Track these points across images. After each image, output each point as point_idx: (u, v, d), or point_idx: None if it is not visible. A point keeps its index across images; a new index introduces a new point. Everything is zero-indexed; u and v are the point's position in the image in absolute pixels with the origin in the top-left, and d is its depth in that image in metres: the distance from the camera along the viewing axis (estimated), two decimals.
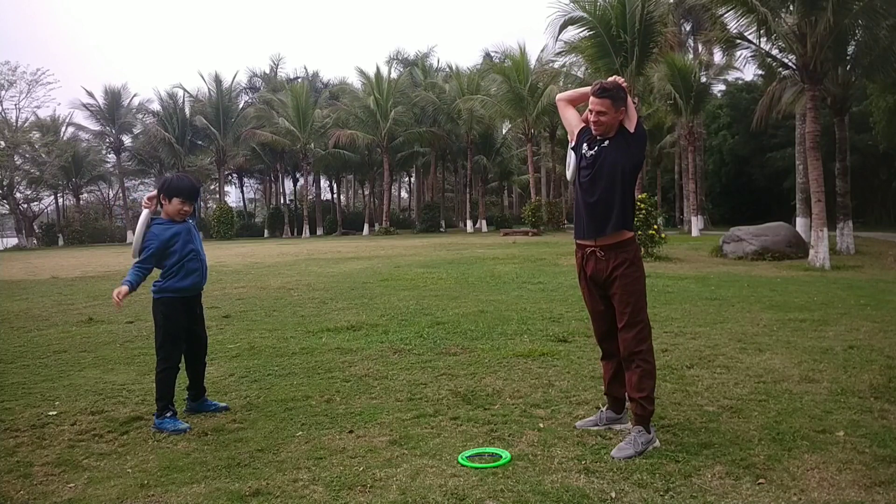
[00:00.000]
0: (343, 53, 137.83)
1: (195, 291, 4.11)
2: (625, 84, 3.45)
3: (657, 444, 3.30)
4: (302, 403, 4.21)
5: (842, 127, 16.53)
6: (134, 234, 4.05)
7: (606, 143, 3.40)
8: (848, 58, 15.56)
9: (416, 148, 43.47)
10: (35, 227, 46.72)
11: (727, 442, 3.33)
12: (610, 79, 3.46)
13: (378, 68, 41.46)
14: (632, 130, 3.39)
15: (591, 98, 3.37)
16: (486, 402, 4.11)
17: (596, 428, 3.58)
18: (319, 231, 45.40)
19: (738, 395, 4.11)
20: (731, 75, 29.73)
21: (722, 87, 32.84)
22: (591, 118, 3.40)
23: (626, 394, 3.43)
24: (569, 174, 3.65)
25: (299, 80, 50.99)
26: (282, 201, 52.40)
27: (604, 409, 3.67)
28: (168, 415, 3.84)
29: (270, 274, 13.54)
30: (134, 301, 9.81)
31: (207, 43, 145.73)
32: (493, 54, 45.19)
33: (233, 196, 60.84)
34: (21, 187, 43.85)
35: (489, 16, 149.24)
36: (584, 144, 3.49)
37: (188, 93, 45.61)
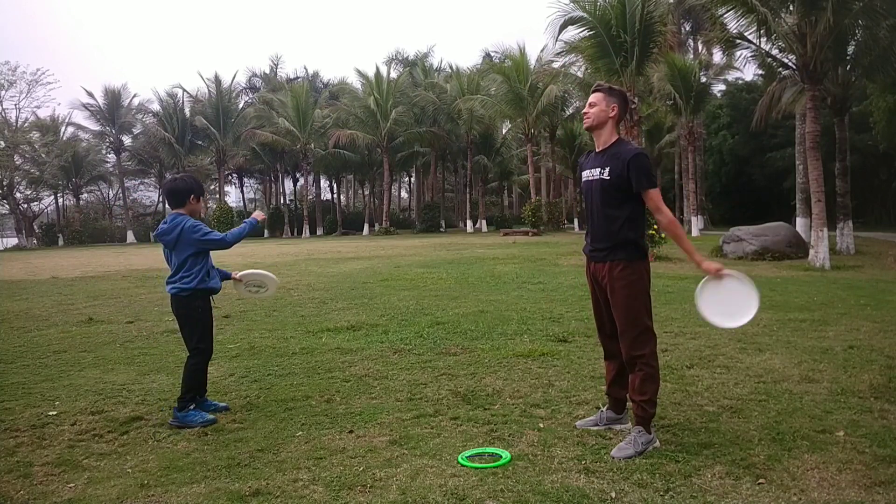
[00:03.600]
0: (343, 53, 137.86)
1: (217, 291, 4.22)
2: None
3: (657, 444, 3.30)
4: (302, 403, 4.21)
5: (842, 127, 16.52)
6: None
7: (607, 174, 3.37)
8: (848, 58, 15.55)
9: (416, 148, 43.48)
10: (35, 227, 46.77)
11: (727, 442, 3.33)
12: None
13: (378, 68, 41.51)
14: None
15: (591, 96, 3.51)
16: (486, 402, 4.11)
17: (596, 428, 3.58)
18: (319, 231, 45.41)
19: (738, 395, 4.11)
20: (731, 75, 29.77)
21: (722, 87, 32.87)
22: (584, 111, 3.54)
23: (628, 395, 3.43)
24: None
25: (299, 80, 51.03)
26: (282, 201, 52.41)
27: (604, 409, 3.66)
28: (192, 407, 3.90)
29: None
30: (133, 301, 9.83)
31: (207, 43, 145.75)
32: (493, 54, 45.23)
33: (233, 196, 60.98)
34: (21, 187, 43.91)
35: (489, 16, 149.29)
36: (590, 169, 3.49)
37: (188, 93, 45.79)
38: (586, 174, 3.50)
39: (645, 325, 3.33)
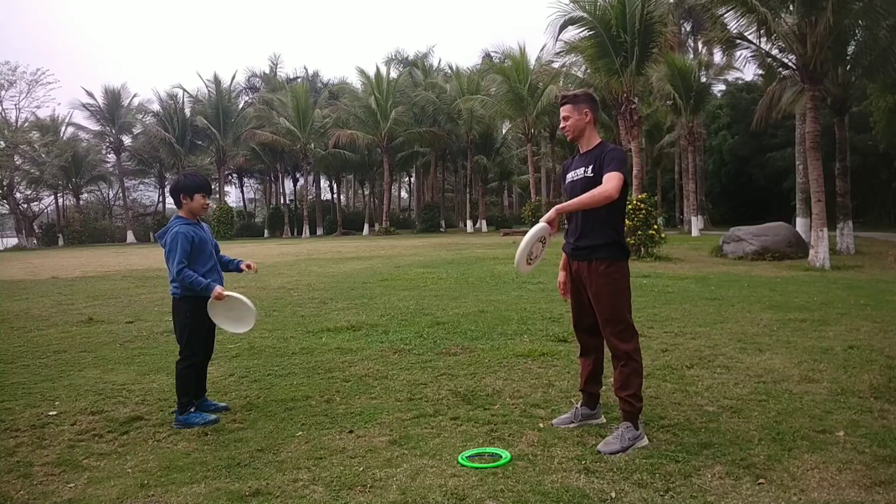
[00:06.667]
0: (343, 53, 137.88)
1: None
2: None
3: (645, 441, 3.33)
4: (302, 403, 4.21)
5: (842, 127, 16.52)
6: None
7: (590, 171, 3.44)
8: (848, 58, 15.55)
9: (416, 148, 43.49)
10: (35, 227, 46.77)
11: (727, 442, 3.33)
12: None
13: (378, 68, 41.51)
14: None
15: (561, 110, 3.58)
16: (486, 402, 4.11)
17: (572, 425, 3.62)
18: (319, 231, 45.43)
19: (738, 395, 4.11)
20: (731, 75, 29.78)
21: (722, 87, 32.92)
22: (561, 126, 3.62)
23: (613, 392, 3.46)
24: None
25: (299, 80, 51.04)
26: (282, 201, 52.41)
27: (578, 405, 3.71)
28: (192, 409, 3.90)
29: (270, 274, 13.54)
30: (133, 301, 9.83)
31: (207, 43, 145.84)
32: (492, 54, 45.26)
33: (233, 196, 61.01)
34: (21, 187, 43.91)
35: (489, 16, 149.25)
36: (575, 170, 3.57)
37: (188, 93, 45.80)
38: (571, 175, 3.59)
39: (627, 321, 3.40)
